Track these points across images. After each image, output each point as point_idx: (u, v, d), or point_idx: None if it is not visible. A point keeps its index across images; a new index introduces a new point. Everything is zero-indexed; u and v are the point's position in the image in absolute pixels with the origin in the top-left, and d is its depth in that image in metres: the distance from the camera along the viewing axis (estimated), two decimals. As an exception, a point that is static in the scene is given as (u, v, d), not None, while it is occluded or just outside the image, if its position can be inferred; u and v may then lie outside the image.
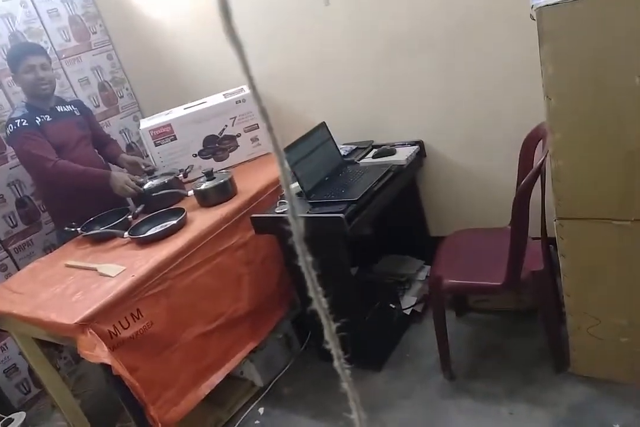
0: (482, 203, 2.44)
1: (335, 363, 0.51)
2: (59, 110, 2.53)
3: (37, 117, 2.40)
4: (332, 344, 0.51)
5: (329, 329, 0.51)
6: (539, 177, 1.77)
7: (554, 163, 1.62)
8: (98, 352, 1.65)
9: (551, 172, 1.64)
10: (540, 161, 1.69)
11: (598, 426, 1.77)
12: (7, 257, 2.65)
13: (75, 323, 1.65)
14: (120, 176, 2.37)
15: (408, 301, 2.48)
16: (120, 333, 1.75)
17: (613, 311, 1.78)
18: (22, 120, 2.34)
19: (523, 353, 2.15)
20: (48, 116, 2.45)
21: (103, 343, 1.67)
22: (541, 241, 1.92)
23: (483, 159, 2.37)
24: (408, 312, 2.44)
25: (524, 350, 2.17)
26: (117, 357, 1.70)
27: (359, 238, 2.78)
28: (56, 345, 2.47)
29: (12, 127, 2.34)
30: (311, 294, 0.50)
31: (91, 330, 1.67)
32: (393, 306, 2.34)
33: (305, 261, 0.49)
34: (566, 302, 1.86)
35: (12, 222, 2.68)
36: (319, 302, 0.50)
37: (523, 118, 2.03)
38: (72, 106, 2.63)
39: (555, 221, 1.72)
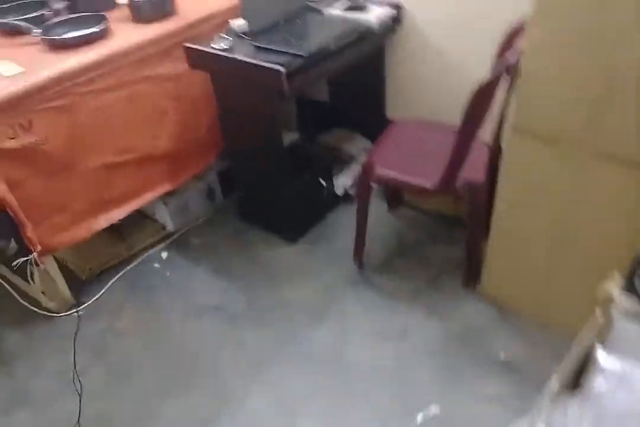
0: (449, 94, 2.12)
1: None
2: None
3: None
4: None
5: None
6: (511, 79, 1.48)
7: (525, 62, 1.35)
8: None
9: (520, 72, 1.36)
10: (514, 58, 1.39)
11: (484, 351, 1.72)
12: None
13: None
14: None
15: (343, 182, 2.30)
16: (2, 142, 1.57)
17: (536, 242, 1.64)
18: None
19: (439, 260, 2.05)
20: None
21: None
22: (490, 150, 1.69)
23: (463, 44, 2.01)
24: (340, 192, 2.28)
25: (441, 257, 2.07)
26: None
27: (312, 102, 2.51)
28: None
29: None
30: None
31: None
32: (322, 182, 2.15)
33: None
34: (494, 221, 1.70)
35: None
36: None
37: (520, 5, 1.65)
38: None
39: (509, 129, 1.48)
